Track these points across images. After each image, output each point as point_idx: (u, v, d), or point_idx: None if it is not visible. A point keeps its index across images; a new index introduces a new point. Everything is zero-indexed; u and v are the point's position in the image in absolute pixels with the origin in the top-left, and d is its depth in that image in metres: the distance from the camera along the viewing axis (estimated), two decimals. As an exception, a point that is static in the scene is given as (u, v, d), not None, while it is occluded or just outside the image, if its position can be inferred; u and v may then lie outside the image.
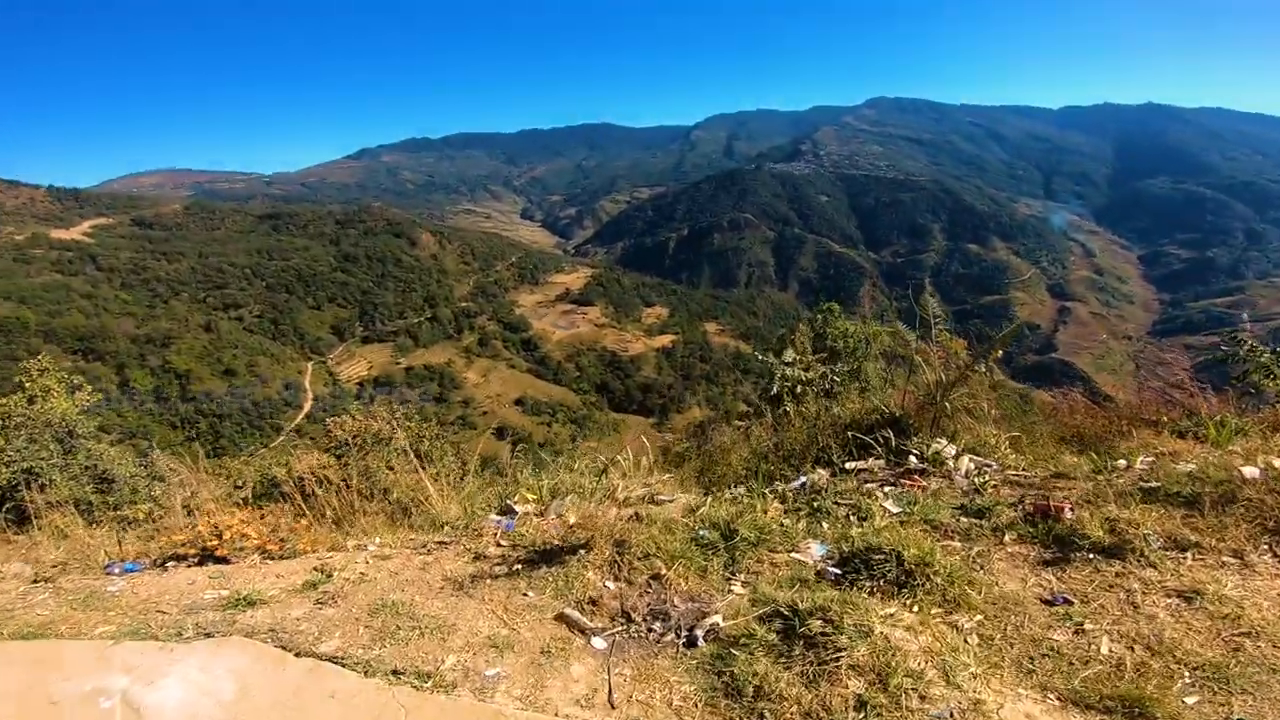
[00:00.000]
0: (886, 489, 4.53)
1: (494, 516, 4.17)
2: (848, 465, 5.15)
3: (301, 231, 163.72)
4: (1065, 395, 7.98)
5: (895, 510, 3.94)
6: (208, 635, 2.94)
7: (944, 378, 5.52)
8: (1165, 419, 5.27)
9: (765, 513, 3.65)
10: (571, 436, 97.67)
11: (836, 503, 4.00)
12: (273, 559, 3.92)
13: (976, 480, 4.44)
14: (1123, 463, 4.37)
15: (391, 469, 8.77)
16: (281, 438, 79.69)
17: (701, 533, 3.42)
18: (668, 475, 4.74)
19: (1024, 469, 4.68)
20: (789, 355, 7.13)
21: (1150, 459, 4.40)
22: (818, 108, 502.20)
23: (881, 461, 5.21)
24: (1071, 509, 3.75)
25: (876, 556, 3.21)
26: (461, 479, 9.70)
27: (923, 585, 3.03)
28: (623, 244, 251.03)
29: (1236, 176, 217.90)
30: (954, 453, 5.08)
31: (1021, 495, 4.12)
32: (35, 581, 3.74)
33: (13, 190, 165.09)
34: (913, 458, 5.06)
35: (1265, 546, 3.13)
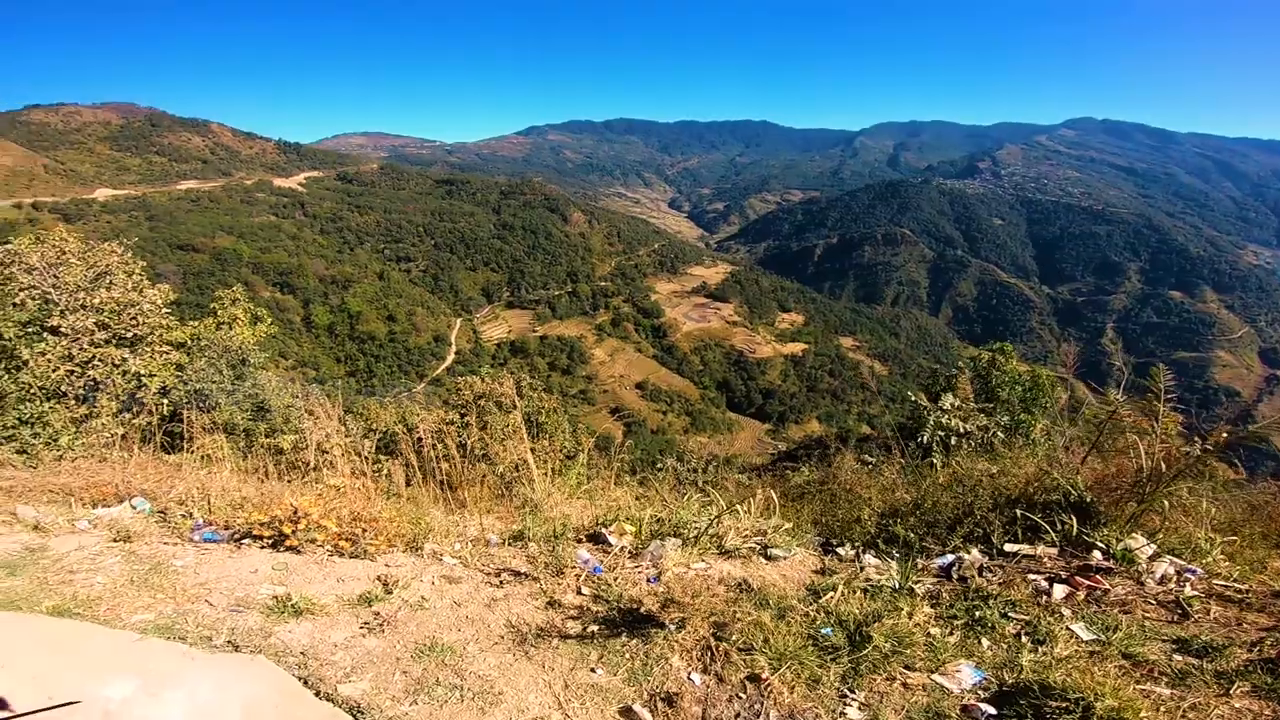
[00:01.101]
0: (1057, 587, 3.63)
1: (582, 552, 3.71)
2: (1007, 547, 4.22)
3: (470, 198, 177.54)
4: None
5: (1087, 637, 3.02)
6: (236, 648, 2.74)
7: (1163, 467, 4.34)
8: None
9: (910, 616, 2.87)
10: (684, 429, 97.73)
11: (1005, 615, 3.12)
12: (342, 556, 3.75)
13: (1178, 591, 3.51)
14: (1369, 589, 3.37)
15: (507, 436, 8.84)
16: (422, 385, 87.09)
17: (824, 630, 2.72)
18: (786, 524, 4.03)
19: (1235, 580, 3.69)
20: (948, 401, 6.06)
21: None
22: (1005, 124, 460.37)
23: (1054, 550, 4.23)
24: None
25: (1054, 701, 2.39)
26: (569, 459, 9.60)
27: (1109, 747, 2.20)
28: (766, 244, 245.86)
29: None
30: (1150, 553, 4.05)
31: (1257, 633, 3.12)
32: (115, 540, 3.79)
33: (250, 141, 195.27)
34: (1096, 552, 4.07)
35: None
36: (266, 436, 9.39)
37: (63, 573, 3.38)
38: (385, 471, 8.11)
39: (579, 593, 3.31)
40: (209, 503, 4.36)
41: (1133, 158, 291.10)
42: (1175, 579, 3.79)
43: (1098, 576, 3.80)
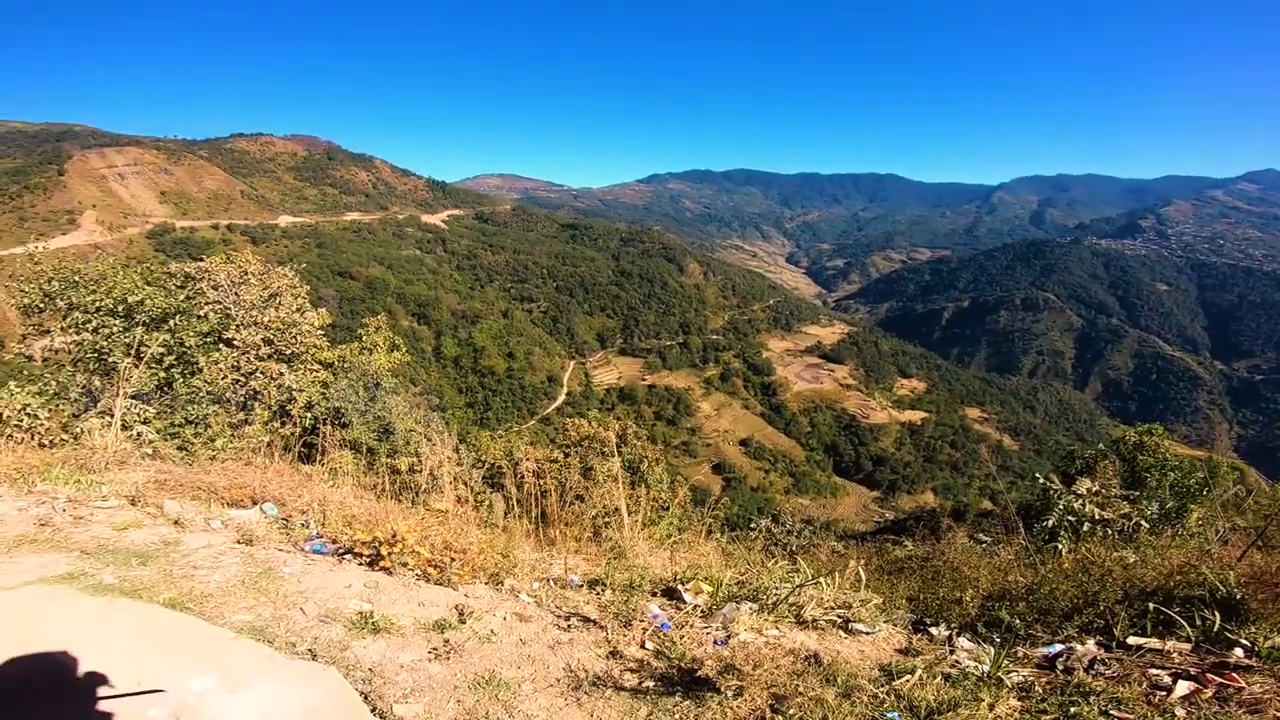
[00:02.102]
0: (1181, 683, 3.19)
1: (654, 606, 3.73)
2: (1131, 640, 3.72)
3: (592, 244, 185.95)
4: None
5: (1192, 740, 2.62)
6: (314, 656, 2.93)
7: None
8: None
9: (992, 708, 2.60)
10: (786, 489, 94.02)
11: (1106, 712, 2.75)
12: (428, 581, 3.94)
13: (1322, 689, 2.98)
14: None
15: (613, 478, 9.01)
16: (532, 422, 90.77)
17: (890, 714, 2.53)
18: (875, 598, 3.78)
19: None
20: (1084, 486, 5.48)
21: None
22: (1172, 177, 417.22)
23: (1187, 646, 3.69)
24: None
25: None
26: (664, 509, 9.57)
27: None
28: (889, 305, 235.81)
29: None
30: (1302, 651, 3.45)
31: None
32: (239, 542, 4.20)
33: (405, 178, 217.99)
34: (1239, 650, 3.54)
35: None
36: (388, 456, 10.22)
37: (187, 568, 3.71)
38: (488, 502, 8.52)
39: (643, 646, 3.29)
40: (324, 516, 4.72)
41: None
42: (1324, 677, 3.24)
43: (1233, 674, 3.32)
